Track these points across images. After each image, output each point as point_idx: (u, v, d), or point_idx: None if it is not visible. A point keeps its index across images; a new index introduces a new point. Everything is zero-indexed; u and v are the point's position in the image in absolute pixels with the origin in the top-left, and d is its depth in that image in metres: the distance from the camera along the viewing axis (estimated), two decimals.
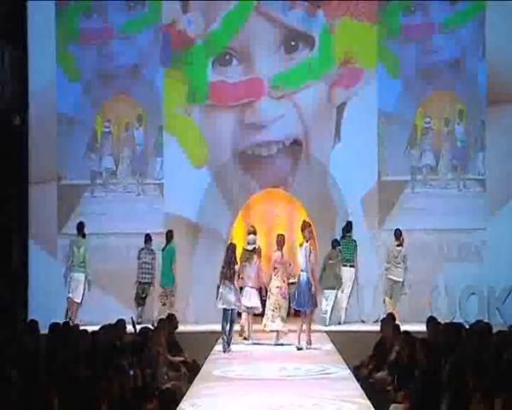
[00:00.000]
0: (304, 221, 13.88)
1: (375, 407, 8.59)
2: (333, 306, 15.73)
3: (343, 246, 15.94)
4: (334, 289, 15.71)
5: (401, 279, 15.71)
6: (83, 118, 17.25)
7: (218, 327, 15.26)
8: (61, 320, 11.23)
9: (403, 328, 11.00)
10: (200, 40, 17.25)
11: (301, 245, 13.40)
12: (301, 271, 13.35)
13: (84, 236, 15.86)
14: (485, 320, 12.28)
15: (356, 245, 16.07)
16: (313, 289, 13.26)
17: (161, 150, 17.22)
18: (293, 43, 17.22)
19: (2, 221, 16.74)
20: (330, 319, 15.69)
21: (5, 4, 17.03)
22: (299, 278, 13.40)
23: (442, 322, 11.17)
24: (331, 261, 15.72)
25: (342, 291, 15.84)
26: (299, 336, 13.22)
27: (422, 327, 11.35)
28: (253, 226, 14.81)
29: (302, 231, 13.41)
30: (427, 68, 17.00)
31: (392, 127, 17.05)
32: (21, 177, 16.98)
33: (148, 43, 17.27)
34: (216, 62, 17.27)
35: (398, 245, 15.78)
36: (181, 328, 12.97)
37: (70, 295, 15.56)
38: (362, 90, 16.98)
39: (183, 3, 17.27)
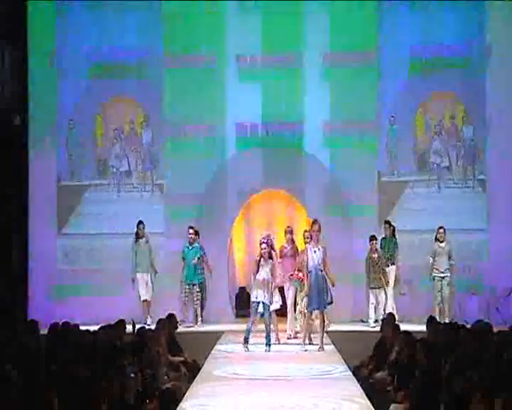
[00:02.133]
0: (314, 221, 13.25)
1: (375, 407, 8.57)
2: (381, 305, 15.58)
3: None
4: (380, 288, 15.52)
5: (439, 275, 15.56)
6: (83, 118, 17.25)
7: (218, 327, 15.32)
8: (61, 320, 11.20)
9: (403, 328, 11.02)
10: None
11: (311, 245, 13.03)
12: (309, 272, 12.85)
13: (138, 236, 15.89)
14: (485, 320, 12.28)
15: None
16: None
17: (161, 150, 17.22)
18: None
19: (2, 221, 16.73)
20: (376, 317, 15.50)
21: (5, 4, 17.02)
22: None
23: (442, 322, 11.18)
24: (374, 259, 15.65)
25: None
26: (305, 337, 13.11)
27: (422, 327, 11.35)
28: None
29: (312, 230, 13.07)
30: (428, 68, 16.99)
31: (393, 127, 17.05)
32: (21, 177, 16.98)
33: (148, 43, 17.24)
34: None
35: (441, 242, 15.68)
36: (181, 328, 12.97)
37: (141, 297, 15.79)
38: (362, 89, 16.96)
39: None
